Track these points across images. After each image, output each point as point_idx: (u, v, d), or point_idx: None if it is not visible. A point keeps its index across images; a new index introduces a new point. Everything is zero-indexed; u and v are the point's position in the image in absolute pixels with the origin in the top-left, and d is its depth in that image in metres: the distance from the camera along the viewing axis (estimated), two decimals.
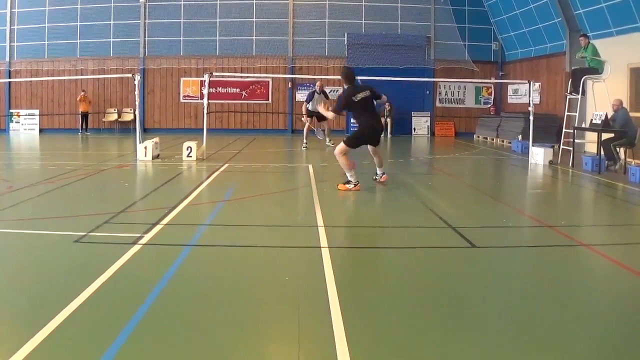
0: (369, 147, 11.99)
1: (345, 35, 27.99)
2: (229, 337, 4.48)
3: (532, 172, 15.04)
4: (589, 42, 16.48)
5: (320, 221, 8.49)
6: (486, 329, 4.71)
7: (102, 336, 4.34)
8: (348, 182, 11.41)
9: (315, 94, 20.26)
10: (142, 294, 5.29)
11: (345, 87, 11.78)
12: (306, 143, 20.51)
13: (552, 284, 5.99)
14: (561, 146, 17.10)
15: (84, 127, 27.50)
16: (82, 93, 27.50)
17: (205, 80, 17.80)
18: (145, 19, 28.09)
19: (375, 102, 12.05)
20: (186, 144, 16.20)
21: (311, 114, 20.27)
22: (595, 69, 16.32)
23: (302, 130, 21.28)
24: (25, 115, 28.38)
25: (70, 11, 27.93)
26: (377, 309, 5.13)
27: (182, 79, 28.44)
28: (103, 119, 28.36)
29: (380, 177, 12.26)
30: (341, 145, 11.50)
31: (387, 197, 11.55)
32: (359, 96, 11.44)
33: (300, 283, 5.75)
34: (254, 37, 28.13)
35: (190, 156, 16.11)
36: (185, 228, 8.22)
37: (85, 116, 27.59)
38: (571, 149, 16.04)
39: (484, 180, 13.20)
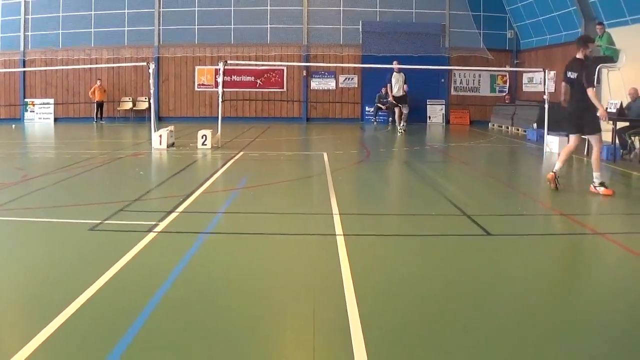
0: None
1: (360, 23, 27.85)
2: (243, 325, 4.51)
3: (547, 161, 14.95)
4: (605, 31, 16.33)
5: (335, 209, 8.50)
6: (502, 317, 4.71)
7: (117, 324, 4.38)
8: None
9: (394, 73, 21.12)
10: (157, 281, 5.34)
11: (588, 53, 10.07)
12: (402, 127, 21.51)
13: (568, 272, 5.99)
14: None
15: (98, 116, 27.59)
16: (98, 82, 27.55)
17: (220, 69, 17.82)
18: (159, 7, 28.09)
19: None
20: (201, 132, 16.24)
21: (395, 98, 21.46)
22: (610, 58, 16.17)
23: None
24: (40, 104, 28.46)
25: (84, 0, 27.97)
26: (393, 297, 5.15)
27: (196, 68, 28.41)
28: (118, 108, 28.42)
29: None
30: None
31: (403, 185, 11.55)
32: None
33: (315, 271, 5.77)
34: (268, 25, 28.05)
35: (205, 144, 16.14)
36: (200, 216, 8.27)
37: (100, 105, 27.66)
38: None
39: (499, 168, 13.15)
